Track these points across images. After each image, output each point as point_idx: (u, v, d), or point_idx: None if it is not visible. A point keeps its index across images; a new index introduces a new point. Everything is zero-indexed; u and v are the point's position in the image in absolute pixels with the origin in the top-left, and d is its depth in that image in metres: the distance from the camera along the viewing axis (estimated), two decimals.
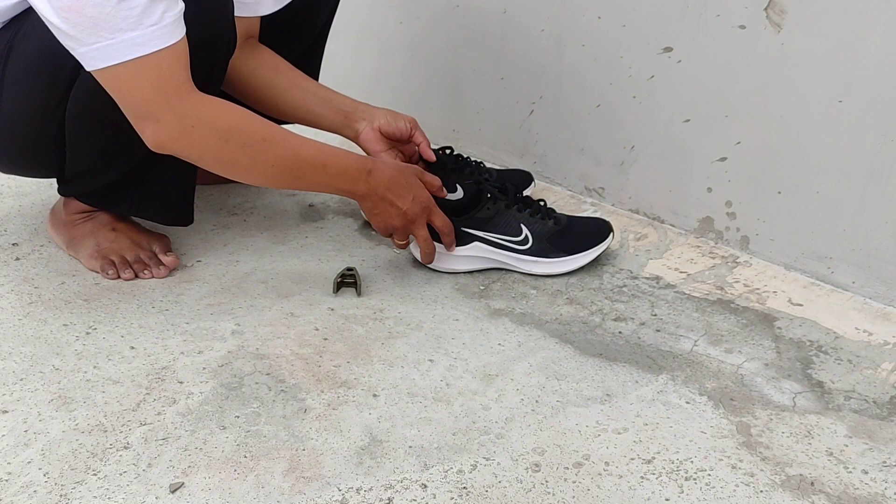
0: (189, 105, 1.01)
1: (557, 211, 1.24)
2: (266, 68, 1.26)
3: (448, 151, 1.35)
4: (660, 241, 1.31)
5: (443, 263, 1.21)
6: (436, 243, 1.18)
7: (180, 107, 1.00)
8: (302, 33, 1.39)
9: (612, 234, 1.23)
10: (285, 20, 1.32)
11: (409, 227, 1.16)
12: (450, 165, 1.32)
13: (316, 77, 1.45)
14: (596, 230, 1.23)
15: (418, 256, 1.20)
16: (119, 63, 0.94)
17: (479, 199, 1.21)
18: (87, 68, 0.95)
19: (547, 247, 1.20)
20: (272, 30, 1.28)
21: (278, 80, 1.27)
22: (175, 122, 1.00)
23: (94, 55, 0.94)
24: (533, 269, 1.21)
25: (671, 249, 1.28)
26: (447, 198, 1.20)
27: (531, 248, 1.20)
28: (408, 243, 1.19)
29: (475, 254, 1.20)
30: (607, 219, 1.26)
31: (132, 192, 1.19)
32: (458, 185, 1.22)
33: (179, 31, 0.97)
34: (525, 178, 1.43)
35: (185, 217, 1.23)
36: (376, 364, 1.00)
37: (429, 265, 1.21)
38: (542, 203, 1.23)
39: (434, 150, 1.31)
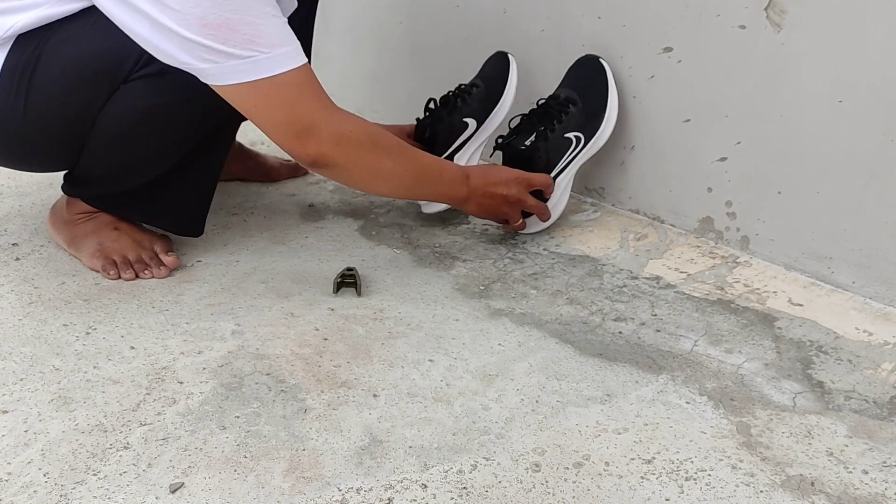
0: (341, 114, 1.07)
1: (555, 105, 1.31)
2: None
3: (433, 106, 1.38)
4: (660, 241, 1.31)
5: (552, 216, 1.32)
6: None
7: (337, 115, 1.06)
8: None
9: (605, 65, 1.32)
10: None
11: (518, 206, 1.24)
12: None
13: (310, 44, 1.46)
14: (588, 73, 1.33)
15: (537, 228, 1.31)
16: (283, 73, 0.98)
17: (534, 154, 1.28)
18: (237, 81, 0.98)
19: (586, 121, 1.31)
20: None
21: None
22: (334, 130, 1.05)
23: (247, 68, 0.97)
24: (601, 141, 1.33)
25: (671, 249, 1.28)
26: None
27: (584, 138, 1.30)
28: (524, 223, 1.27)
29: (564, 186, 1.32)
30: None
31: (143, 200, 1.20)
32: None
33: (301, 54, 1.02)
34: (501, 64, 1.43)
35: (196, 229, 1.24)
36: (376, 364, 1.00)
37: (532, 230, 1.32)
38: (553, 100, 1.31)
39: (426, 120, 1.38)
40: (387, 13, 1.70)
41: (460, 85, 1.40)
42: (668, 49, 1.26)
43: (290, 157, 1.58)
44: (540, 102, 1.33)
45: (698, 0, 1.21)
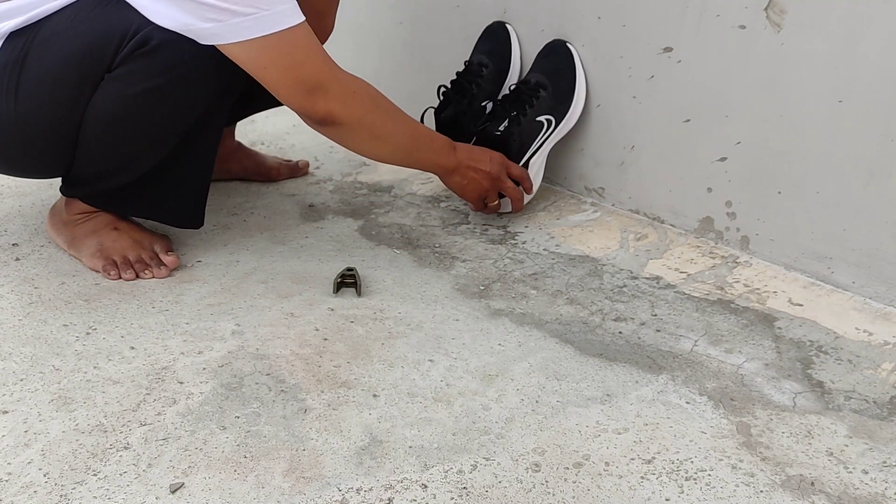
0: (345, 73, 1.09)
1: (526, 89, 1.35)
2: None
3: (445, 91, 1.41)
4: (660, 241, 1.31)
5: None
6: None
7: (342, 74, 1.08)
8: None
9: (572, 49, 1.37)
10: None
11: (497, 185, 1.27)
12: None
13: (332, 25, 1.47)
14: (556, 57, 1.38)
15: (508, 209, 1.35)
16: (287, 28, 1.00)
17: (509, 138, 1.32)
18: (241, 38, 0.99)
19: (556, 104, 1.35)
20: None
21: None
22: (341, 88, 1.07)
23: (250, 24, 0.98)
24: (570, 123, 1.38)
25: (671, 249, 1.28)
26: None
27: (555, 121, 1.35)
28: (499, 204, 1.32)
29: (537, 168, 1.36)
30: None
31: (141, 196, 1.19)
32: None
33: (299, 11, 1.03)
34: (503, 38, 1.46)
35: (196, 220, 1.24)
36: (376, 364, 1.00)
37: (504, 210, 1.37)
38: (524, 85, 1.35)
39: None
40: (387, 13, 1.70)
41: (467, 65, 1.42)
42: (668, 49, 1.26)
43: (289, 158, 1.59)
44: (511, 87, 1.37)
45: (698, 0, 1.21)
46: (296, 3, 1.01)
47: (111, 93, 1.07)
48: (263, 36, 0.99)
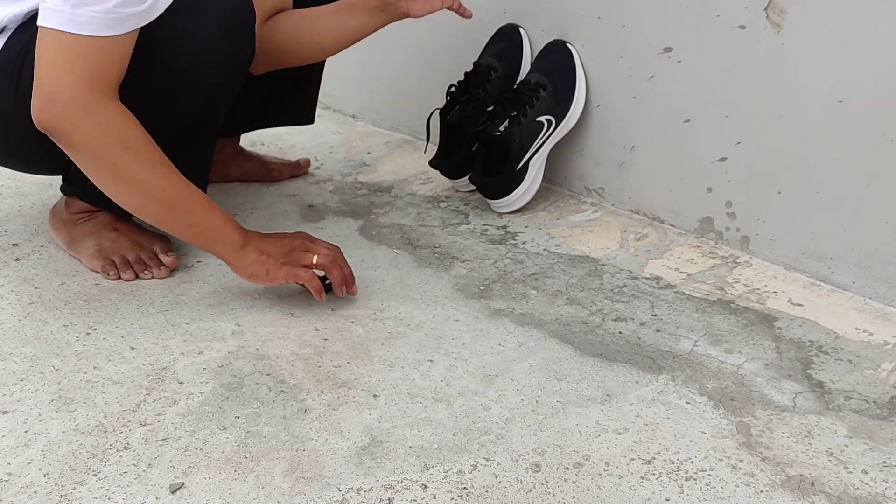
0: (106, 102, 0.99)
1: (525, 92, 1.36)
2: (292, 23, 1.29)
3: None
4: (660, 242, 1.31)
5: (523, 199, 1.39)
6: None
7: (97, 100, 0.98)
8: None
9: (572, 49, 1.37)
10: None
11: (311, 250, 1.09)
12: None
13: (318, 75, 1.47)
14: (556, 57, 1.38)
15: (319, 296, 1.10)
16: (51, 28, 0.94)
17: (509, 139, 1.32)
18: (38, 22, 0.96)
19: (556, 104, 1.35)
20: None
21: (306, 21, 1.30)
22: (82, 110, 0.98)
23: (43, 13, 0.95)
24: (570, 123, 1.38)
25: (671, 249, 1.28)
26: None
27: (555, 121, 1.35)
28: (321, 289, 1.09)
29: (537, 169, 1.37)
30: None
31: None
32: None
33: (122, 27, 0.97)
34: (515, 42, 1.46)
35: None
36: (376, 364, 1.00)
37: (504, 210, 1.39)
38: (524, 85, 1.36)
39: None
40: None
41: (475, 66, 1.42)
42: (668, 49, 1.26)
43: (290, 158, 1.59)
44: (512, 88, 1.37)
45: (698, 0, 1.21)
46: (97, 13, 0.94)
47: None
48: (56, 29, 0.95)
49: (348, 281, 1.11)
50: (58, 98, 0.97)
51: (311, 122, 1.51)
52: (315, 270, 1.09)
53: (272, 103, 1.44)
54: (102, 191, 1.05)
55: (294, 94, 1.46)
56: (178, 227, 1.08)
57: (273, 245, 1.09)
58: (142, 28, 1.02)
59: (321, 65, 1.46)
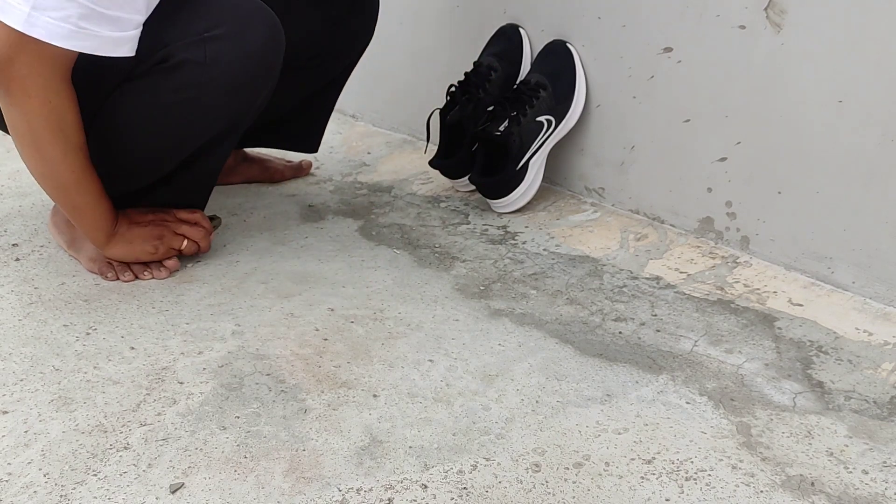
0: (58, 80, 1.00)
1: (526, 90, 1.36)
2: None
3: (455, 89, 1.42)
4: (660, 242, 1.31)
5: (523, 199, 1.39)
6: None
7: (49, 73, 0.99)
8: (323, 70, 1.40)
9: (572, 49, 1.37)
10: (309, 56, 1.34)
11: (170, 227, 1.19)
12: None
13: (329, 109, 1.48)
14: (556, 57, 1.38)
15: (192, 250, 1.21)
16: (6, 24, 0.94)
17: (509, 139, 1.32)
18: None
19: (556, 104, 1.35)
20: (294, 64, 1.28)
21: None
22: (36, 73, 0.98)
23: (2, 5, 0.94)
24: (570, 124, 1.38)
25: (671, 249, 1.28)
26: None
27: (555, 121, 1.35)
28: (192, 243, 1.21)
29: (537, 169, 1.38)
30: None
31: (144, 197, 1.20)
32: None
33: (80, 44, 0.96)
34: (515, 42, 1.46)
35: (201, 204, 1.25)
36: (376, 364, 1.00)
37: (504, 210, 1.39)
38: (524, 85, 1.36)
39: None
40: (386, 13, 1.70)
41: (475, 66, 1.41)
42: (668, 49, 1.26)
43: (290, 159, 1.59)
44: (512, 88, 1.37)
45: (698, 0, 1.21)
46: (42, 14, 0.93)
47: (126, 100, 1.08)
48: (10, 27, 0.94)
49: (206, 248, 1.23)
50: (15, 57, 0.97)
51: (315, 150, 1.52)
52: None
53: (282, 125, 1.45)
54: (12, 138, 1.07)
55: (303, 122, 1.47)
56: (64, 203, 1.12)
57: (142, 233, 1.17)
58: (174, 43, 1.03)
59: (335, 96, 1.46)
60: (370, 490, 0.81)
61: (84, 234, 1.16)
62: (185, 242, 1.19)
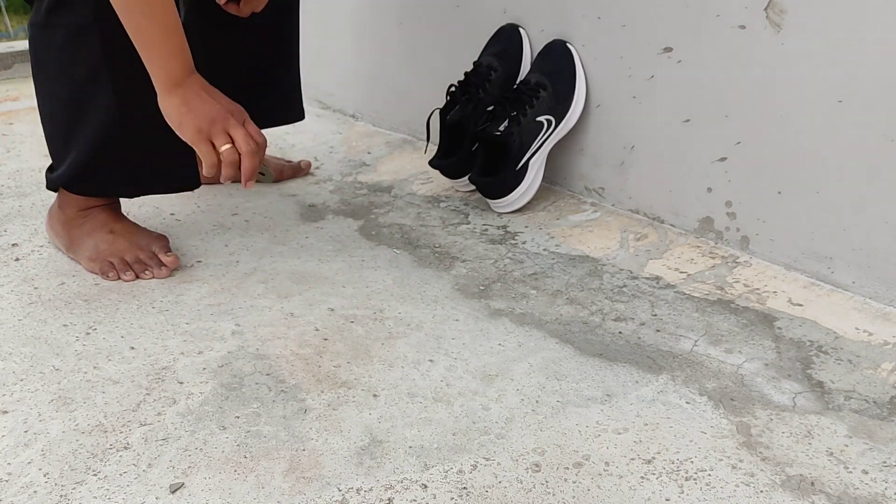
0: None
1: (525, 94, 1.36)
2: None
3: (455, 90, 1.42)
4: (660, 241, 1.31)
5: (523, 199, 1.39)
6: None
7: None
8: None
9: (572, 49, 1.38)
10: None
11: (226, 124, 1.05)
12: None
13: (296, 68, 1.47)
14: (556, 57, 1.38)
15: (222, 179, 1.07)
16: None
17: (509, 139, 1.33)
18: None
19: (556, 104, 1.35)
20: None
21: None
22: None
23: None
24: (570, 124, 1.38)
25: (671, 249, 1.28)
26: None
27: (555, 121, 1.36)
28: (217, 159, 1.06)
29: (537, 169, 1.38)
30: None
31: (127, 173, 1.18)
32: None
33: None
34: (516, 42, 1.46)
35: (192, 180, 1.22)
36: (376, 364, 1.00)
37: (504, 210, 1.39)
38: (524, 85, 1.36)
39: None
40: (386, 13, 1.70)
41: (475, 66, 1.41)
42: (668, 49, 1.26)
43: (290, 158, 1.59)
44: (512, 88, 1.38)
45: (698, 0, 1.21)
46: None
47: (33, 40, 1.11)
48: None
49: (249, 175, 1.07)
50: None
51: (303, 117, 1.51)
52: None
53: (254, 105, 1.44)
54: None
55: (273, 95, 1.46)
56: (139, 31, 1.02)
57: (203, 104, 1.05)
58: None
59: (291, 62, 1.45)
60: (370, 490, 0.81)
61: (153, 77, 1.04)
62: (227, 147, 1.05)
